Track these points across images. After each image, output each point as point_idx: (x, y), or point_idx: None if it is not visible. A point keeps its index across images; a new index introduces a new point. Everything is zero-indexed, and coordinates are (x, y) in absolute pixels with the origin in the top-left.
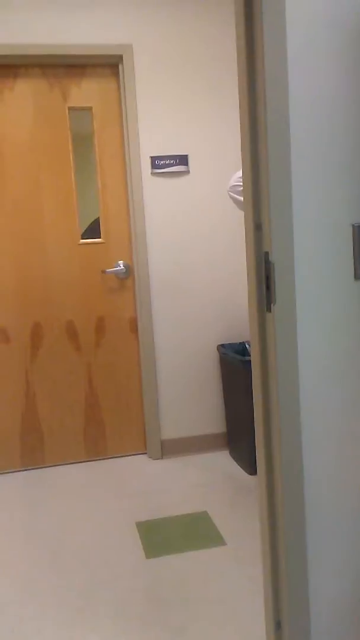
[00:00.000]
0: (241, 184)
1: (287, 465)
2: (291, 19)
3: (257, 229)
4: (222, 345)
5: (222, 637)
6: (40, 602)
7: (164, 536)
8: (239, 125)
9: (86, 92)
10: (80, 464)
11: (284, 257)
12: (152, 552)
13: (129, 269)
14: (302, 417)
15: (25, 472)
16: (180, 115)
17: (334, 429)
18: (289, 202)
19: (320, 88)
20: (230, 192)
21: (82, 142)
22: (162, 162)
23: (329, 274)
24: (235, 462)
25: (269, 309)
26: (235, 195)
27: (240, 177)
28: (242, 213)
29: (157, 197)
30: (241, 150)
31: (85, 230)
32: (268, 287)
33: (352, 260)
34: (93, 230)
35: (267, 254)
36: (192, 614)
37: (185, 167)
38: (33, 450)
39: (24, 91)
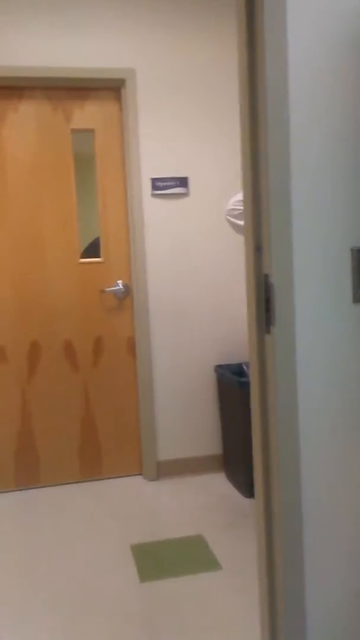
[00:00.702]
0: (238, 207)
1: (285, 490)
2: (293, 45)
3: (257, 251)
4: (220, 366)
5: None
6: (33, 625)
7: (159, 560)
8: (239, 149)
9: (89, 114)
10: (75, 484)
11: (284, 280)
12: (147, 575)
13: (127, 289)
14: (301, 440)
15: (19, 492)
16: (181, 138)
17: (334, 452)
18: (289, 224)
19: (322, 112)
20: (227, 216)
21: (84, 163)
22: (162, 183)
23: (328, 296)
24: (231, 485)
25: (268, 331)
26: (233, 219)
27: (237, 201)
28: (240, 236)
29: (157, 218)
30: (242, 173)
31: (85, 250)
32: (267, 309)
33: (351, 284)
34: (92, 249)
35: (267, 276)
36: (187, 639)
37: (185, 189)
38: (28, 469)
39: (28, 112)
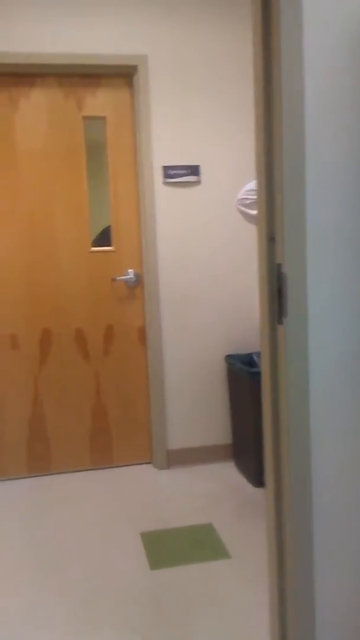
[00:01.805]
0: (249, 197)
1: (295, 480)
2: (309, 34)
3: (271, 241)
4: (230, 356)
5: None
6: (44, 611)
7: (169, 548)
8: (251, 136)
9: (100, 101)
10: (85, 472)
11: (297, 270)
12: (157, 563)
13: (138, 278)
14: (311, 431)
15: (31, 478)
16: (193, 126)
17: (344, 443)
18: (303, 214)
19: (336, 98)
20: (238, 205)
21: (96, 151)
22: (174, 172)
23: (342, 287)
24: (240, 474)
25: (280, 322)
26: (243, 208)
27: (248, 190)
28: (251, 225)
29: (169, 206)
30: (256, 162)
31: (96, 238)
32: (280, 300)
33: None
34: (103, 238)
35: (279, 266)
36: (196, 627)
37: (197, 177)
38: (39, 457)
39: (40, 100)
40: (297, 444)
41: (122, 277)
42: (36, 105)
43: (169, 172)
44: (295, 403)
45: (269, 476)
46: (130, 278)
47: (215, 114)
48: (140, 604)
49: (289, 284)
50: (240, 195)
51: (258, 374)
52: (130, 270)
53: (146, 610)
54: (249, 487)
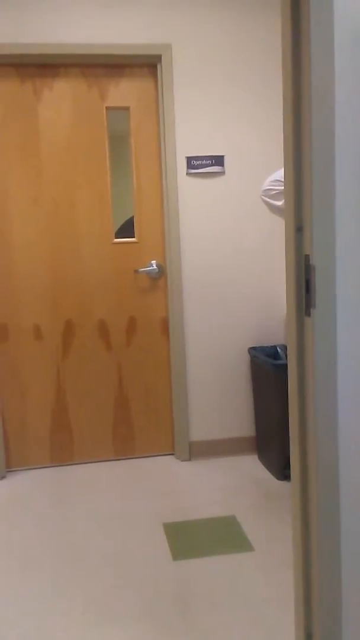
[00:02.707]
0: (274, 187)
1: (322, 474)
2: (340, 16)
3: (298, 231)
4: (253, 348)
5: None
6: (67, 600)
7: (191, 539)
8: (276, 126)
9: (124, 92)
10: (108, 462)
11: (326, 261)
12: (179, 554)
13: (161, 269)
14: (339, 424)
15: (54, 468)
16: (218, 116)
17: None
18: (331, 204)
19: None
20: (263, 196)
21: (119, 142)
22: (197, 162)
23: None
24: (263, 467)
25: (308, 314)
26: (268, 199)
27: (273, 181)
28: (276, 216)
29: (192, 197)
30: (284, 151)
31: (119, 229)
32: (308, 291)
33: None
34: (126, 229)
35: (307, 257)
36: (219, 618)
37: (221, 167)
38: (62, 446)
39: (63, 90)
40: (325, 437)
41: (145, 269)
42: (59, 96)
43: (193, 162)
44: (322, 395)
45: (294, 469)
46: (153, 269)
47: (240, 103)
48: (163, 594)
49: (317, 275)
50: (265, 186)
51: (283, 366)
52: (153, 262)
53: (168, 600)
54: (272, 480)
